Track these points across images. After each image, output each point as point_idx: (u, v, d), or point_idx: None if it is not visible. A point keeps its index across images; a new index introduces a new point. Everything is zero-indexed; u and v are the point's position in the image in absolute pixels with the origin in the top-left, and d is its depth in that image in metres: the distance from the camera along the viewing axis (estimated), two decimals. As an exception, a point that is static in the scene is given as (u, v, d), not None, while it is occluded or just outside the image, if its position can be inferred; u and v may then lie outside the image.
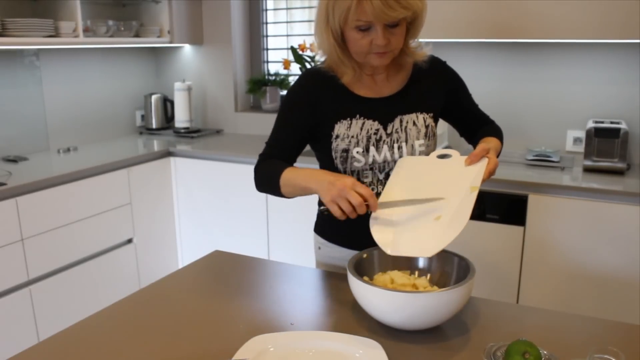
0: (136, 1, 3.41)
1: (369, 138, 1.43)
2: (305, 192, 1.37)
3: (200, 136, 3.50)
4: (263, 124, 3.54)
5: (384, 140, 1.43)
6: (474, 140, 1.58)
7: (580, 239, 2.30)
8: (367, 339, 1.13)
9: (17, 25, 2.62)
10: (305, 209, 2.81)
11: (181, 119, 3.53)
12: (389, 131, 1.44)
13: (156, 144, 3.28)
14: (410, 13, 1.30)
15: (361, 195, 1.22)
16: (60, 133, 3.21)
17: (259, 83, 3.51)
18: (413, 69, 1.50)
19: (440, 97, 1.52)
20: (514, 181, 2.38)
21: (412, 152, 1.44)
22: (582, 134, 2.77)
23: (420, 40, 1.49)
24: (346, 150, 1.43)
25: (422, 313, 1.10)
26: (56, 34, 2.80)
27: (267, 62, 3.70)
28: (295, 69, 3.46)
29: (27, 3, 2.91)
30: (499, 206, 2.42)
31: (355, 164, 1.44)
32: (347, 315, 1.27)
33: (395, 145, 1.44)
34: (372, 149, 1.43)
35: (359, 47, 1.34)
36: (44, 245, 2.52)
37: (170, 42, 3.40)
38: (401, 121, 1.45)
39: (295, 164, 1.51)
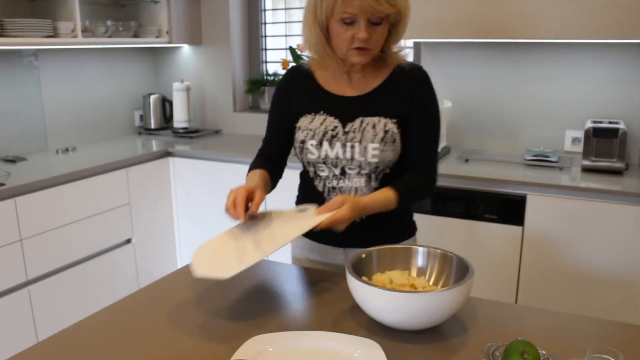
0: (135, 1, 3.41)
1: (325, 133, 1.48)
2: None
3: (198, 136, 3.50)
4: (262, 124, 3.53)
5: (339, 138, 1.47)
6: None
7: (578, 239, 2.30)
8: (365, 339, 1.13)
9: (16, 25, 2.62)
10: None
11: (180, 119, 3.53)
12: (346, 130, 1.47)
13: (155, 144, 3.28)
14: (395, 11, 1.36)
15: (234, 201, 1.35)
16: (59, 133, 3.20)
17: (257, 83, 3.51)
18: (391, 73, 1.50)
19: (406, 106, 1.48)
20: (513, 181, 2.38)
21: (364, 154, 1.45)
22: (580, 134, 2.78)
23: (410, 41, 1.51)
24: (303, 142, 1.50)
25: (420, 313, 1.10)
26: (55, 34, 2.80)
27: (266, 62, 3.70)
28: (294, 69, 3.46)
29: (26, 3, 2.90)
30: (498, 206, 2.43)
31: (309, 155, 1.51)
32: (346, 315, 1.27)
33: (349, 145, 1.46)
34: (325, 143, 1.48)
35: (342, 40, 1.39)
36: (42, 245, 2.51)
37: (169, 43, 3.40)
38: (362, 122, 1.47)
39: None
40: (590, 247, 2.29)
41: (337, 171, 1.50)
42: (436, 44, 3.01)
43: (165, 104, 3.64)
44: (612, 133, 2.46)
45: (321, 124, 1.49)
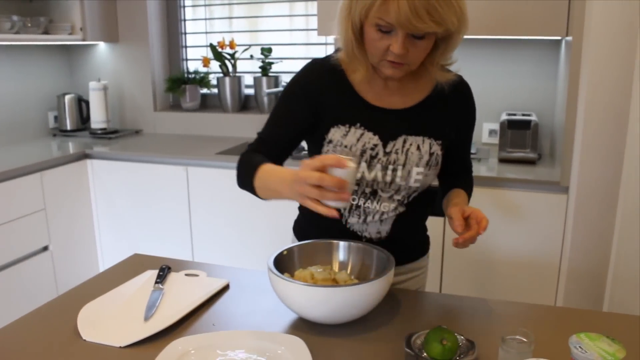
0: (44, -3, 3.25)
1: (363, 152, 1.29)
2: (278, 196, 1.18)
3: (118, 137, 3.38)
4: (183, 124, 3.47)
5: (380, 159, 1.30)
6: (444, 182, 1.50)
7: (497, 227, 2.38)
8: (289, 335, 1.12)
9: None
10: (229, 207, 2.78)
11: (97, 119, 3.40)
12: (387, 150, 1.30)
13: (71, 146, 3.15)
14: (441, 30, 1.13)
15: (318, 170, 1.03)
16: (-35, 137, 3.02)
17: (178, 81, 3.43)
18: (436, 85, 1.33)
19: (454, 128, 1.37)
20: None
21: (407, 178, 1.31)
22: (496, 126, 2.88)
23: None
24: None
25: (342, 307, 1.11)
26: (-44, 31, 2.63)
27: (186, 60, 3.63)
28: (215, 66, 3.41)
29: None
30: (420, 198, 2.48)
31: None
32: (269, 313, 1.26)
33: (390, 167, 1.30)
34: (363, 164, 1.30)
35: (374, 49, 1.19)
36: (-51, 256, 2.36)
37: (83, 40, 3.27)
38: (404, 142, 1.30)
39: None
40: (507, 234, 2.38)
41: (368, 190, 1.33)
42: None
43: (82, 104, 3.50)
44: (524, 125, 2.56)
45: (358, 140, 1.29)
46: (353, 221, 1.37)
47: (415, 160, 1.30)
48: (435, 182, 1.48)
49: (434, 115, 1.33)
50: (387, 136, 1.30)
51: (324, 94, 1.31)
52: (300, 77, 1.35)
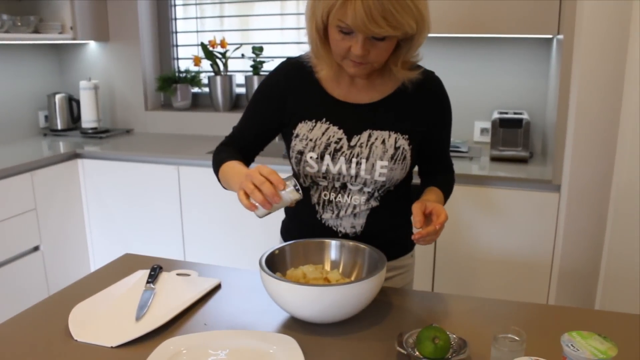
0: (34, -5, 3.23)
1: (327, 145, 1.33)
2: (230, 187, 1.32)
3: (109, 136, 3.36)
4: (174, 123, 3.45)
5: (344, 152, 1.32)
6: (422, 181, 1.51)
7: (489, 225, 2.39)
8: (281, 335, 1.12)
9: None
10: (220, 207, 2.77)
11: (88, 119, 3.38)
12: (352, 143, 1.32)
13: (62, 146, 3.13)
14: (398, 34, 1.17)
15: (264, 176, 1.14)
16: (-46, 137, 2.99)
17: (169, 81, 3.42)
18: (403, 80, 1.34)
19: (423, 123, 1.36)
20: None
21: (371, 172, 1.32)
22: (488, 125, 2.89)
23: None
24: (301, 153, 1.34)
25: (334, 306, 1.11)
26: (-56, 30, 2.61)
27: (177, 59, 3.61)
28: (206, 65, 3.40)
29: None
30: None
31: (308, 168, 1.35)
32: (261, 313, 1.25)
33: (354, 160, 1.32)
34: (327, 157, 1.33)
35: (337, 49, 1.23)
36: (-62, 257, 2.34)
37: (74, 39, 3.25)
38: (369, 136, 1.32)
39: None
40: (500, 232, 2.38)
41: (338, 184, 1.36)
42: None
43: (72, 103, 3.47)
44: (516, 123, 2.57)
45: (323, 134, 1.32)
46: (327, 216, 1.39)
47: (379, 153, 1.32)
48: (417, 180, 1.49)
49: (400, 110, 1.35)
50: (352, 130, 1.33)
51: (292, 91, 1.37)
52: (269, 77, 1.42)
